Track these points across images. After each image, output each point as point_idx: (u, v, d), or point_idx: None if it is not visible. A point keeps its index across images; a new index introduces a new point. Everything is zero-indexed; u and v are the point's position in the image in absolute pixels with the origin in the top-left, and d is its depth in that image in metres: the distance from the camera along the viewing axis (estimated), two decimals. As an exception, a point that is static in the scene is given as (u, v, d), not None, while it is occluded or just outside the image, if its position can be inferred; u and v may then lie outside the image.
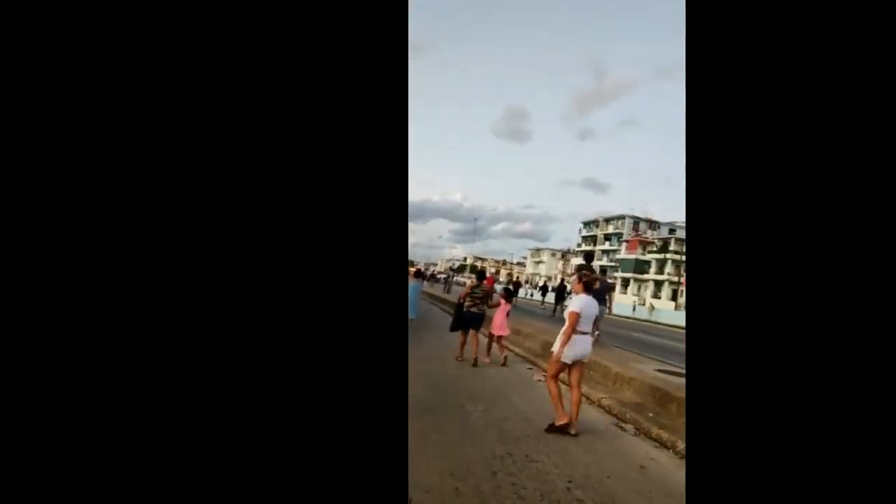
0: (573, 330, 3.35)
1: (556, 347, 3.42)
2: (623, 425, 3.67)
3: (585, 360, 3.50)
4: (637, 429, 3.57)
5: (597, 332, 6.69)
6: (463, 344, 5.96)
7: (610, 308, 7.24)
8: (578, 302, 3.47)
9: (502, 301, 6.41)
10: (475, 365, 5.62)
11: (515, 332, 8.03)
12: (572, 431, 3.29)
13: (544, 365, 5.97)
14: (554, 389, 3.41)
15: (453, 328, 6.22)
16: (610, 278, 55.10)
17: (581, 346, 3.40)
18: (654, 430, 3.41)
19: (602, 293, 6.75)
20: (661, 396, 3.95)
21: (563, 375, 3.52)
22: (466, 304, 5.94)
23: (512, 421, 3.54)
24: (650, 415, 3.75)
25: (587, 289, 3.55)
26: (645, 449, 3.21)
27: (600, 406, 4.19)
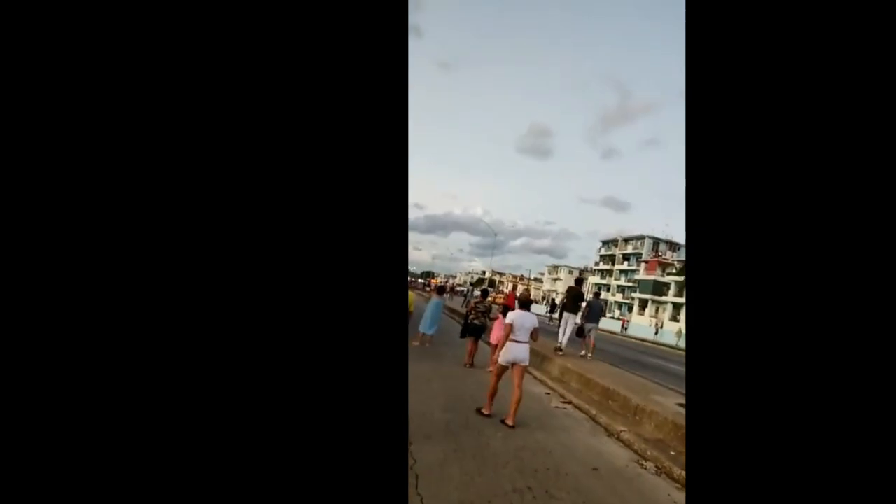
0: (507, 338, 4.13)
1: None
2: (644, 463, 3.54)
3: (522, 364, 4.16)
4: (658, 468, 3.44)
5: (589, 355, 7.65)
6: (471, 353, 6.98)
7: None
8: (512, 315, 4.19)
9: (500, 315, 7.42)
10: (471, 366, 6.72)
11: (534, 353, 7.92)
12: (509, 423, 3.98)
13: (561, 389, 5.88)
14: (492, 384, 4.28)
15: (462, 335, 7.30)
16: (627, 299, 54.24)
17: (514, 352, 4.11)
18: (677, 471, 3.27)
19: (596, 313, 7.90)
20: (683, 435, 3.81)
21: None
22: (471, 317, 6.99)
23: (530, 451, 3.45)
24: (672, 453, 3.62)
25: (522, 305, 4.36)
26: (667, 490, 3.09)
27: (619, 439, 4.06)
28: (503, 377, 4.28)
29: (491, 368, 6.51)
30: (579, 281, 8.27)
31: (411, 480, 2.65)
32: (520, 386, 4.11)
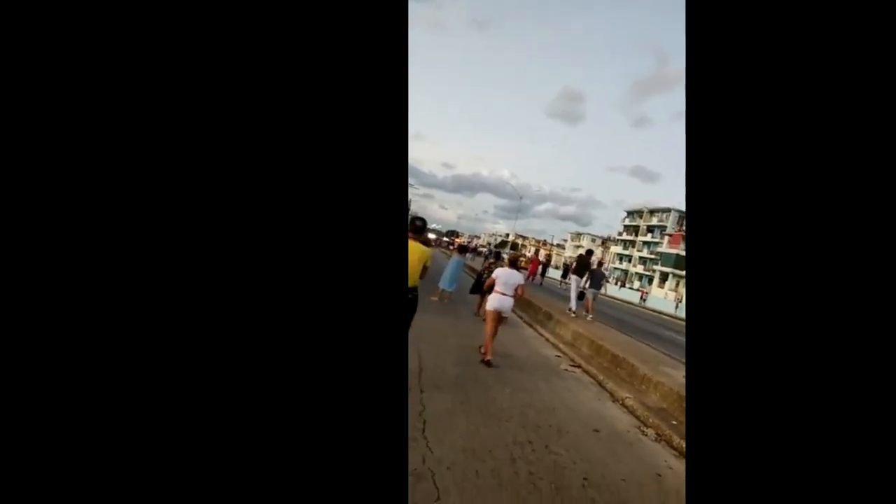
0: (491, 290, 4.84)
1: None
2: (645, 429, 3.59)
3: (505, 315, 4.86)
4: (658, 435, 3.48)
5: (590, 315, 8.64)
6: (479, 305, 7.47)
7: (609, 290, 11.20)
8: (498, 272, 4.91)
9: None
10: (479, 315, 7.15)
11: (548, 316, 8.01)
12: (486, 358, 4.64)
13: (572, 354, 5.94)
14: (487, 332, 4.79)
15: (472, 291, 8.10)
16: (648, 271, 53.40)
17: (500, 302, 4.75)
18: (676, 440, 3.31)
19: (597, 280, 8.92)
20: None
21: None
22: (484, 276, 7.72)
23: (535, 409, 3.54)
24: (673, 423, 3.65)
25: (511, 264, 5.06)
26: (664, 456, 3.14)
27: (623, 405, 4.11)
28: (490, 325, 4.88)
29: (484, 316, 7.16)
30: (589, 252, 9.48)
31: (419, 426, 2.77)
32: (496, 331, 4.88)
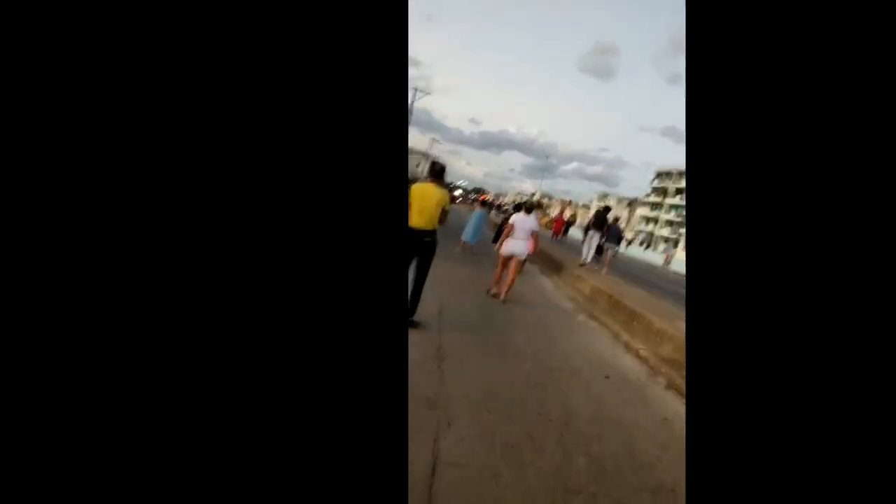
0: (509, 235, 5.15)
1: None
2: (655, 378, 3.63)
3: (519, 258, 5.14)
4: (669, 383, 3.51)
5: (605, 269, 9.08)
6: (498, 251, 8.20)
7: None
8: (514, 217, 5.26)
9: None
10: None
11: (568, 271, 7.99)
12: (501, 299, 5.06)
13: (590, 307, 5.95)
14: (497, 272, 5.36)
15: (494, 241, 8.27)
16: (675, 234, 52.08)
17: (513, 246, 5.10)
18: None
19: (615, 235, 9.35)
20: (700, 358, 3.82)
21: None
22: (504, 226, 8.17)
23: (548, 353, 3.60)
24: (684, 373, 3.67)
25: (527, 211, 5.37)
26: (672, 403, 3.18)
27: (637, 356, 4.13)
28: (512, 270, 5.23)
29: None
30: (606, 209, 9.81)
31: (436, 361, 2.87)
32: (514, 272, 5.17)
